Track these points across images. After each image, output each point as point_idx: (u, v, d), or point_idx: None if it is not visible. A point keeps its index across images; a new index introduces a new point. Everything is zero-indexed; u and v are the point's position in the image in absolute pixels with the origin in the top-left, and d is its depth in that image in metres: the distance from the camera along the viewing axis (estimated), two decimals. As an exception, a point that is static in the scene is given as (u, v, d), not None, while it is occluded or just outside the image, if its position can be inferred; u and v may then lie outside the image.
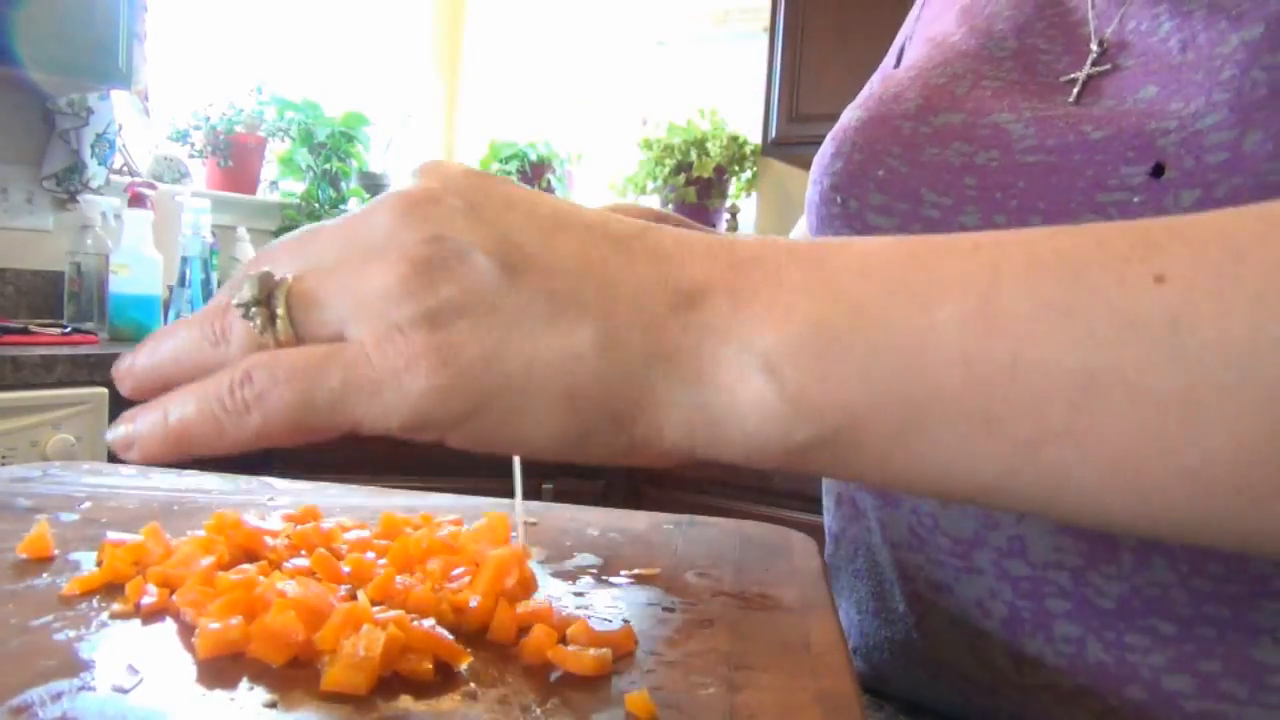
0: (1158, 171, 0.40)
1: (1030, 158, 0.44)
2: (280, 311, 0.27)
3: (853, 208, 0.49)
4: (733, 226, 2.66)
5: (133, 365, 0.31)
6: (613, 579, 0.42)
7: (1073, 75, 0.46)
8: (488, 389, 0.25)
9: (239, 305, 0.27)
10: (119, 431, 0.29)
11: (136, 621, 0.33)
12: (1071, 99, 0.45)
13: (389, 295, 0.26)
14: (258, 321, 0.27)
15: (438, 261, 0.26)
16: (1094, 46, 0.46)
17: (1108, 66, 0.45)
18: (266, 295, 0.27)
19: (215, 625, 0.30)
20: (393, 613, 0.32)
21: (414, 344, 0.25)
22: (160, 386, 0.30)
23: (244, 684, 0.29)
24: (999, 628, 0.44)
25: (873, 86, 0.56)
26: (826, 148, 0.53)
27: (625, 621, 0.35)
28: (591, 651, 0.31)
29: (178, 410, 0.27)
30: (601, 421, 0.26)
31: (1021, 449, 0.24)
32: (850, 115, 0.53)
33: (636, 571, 0.43)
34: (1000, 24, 0.52)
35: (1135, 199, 0.40)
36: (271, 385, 0.26)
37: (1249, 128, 0.38)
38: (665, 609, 0.38)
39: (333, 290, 0.27)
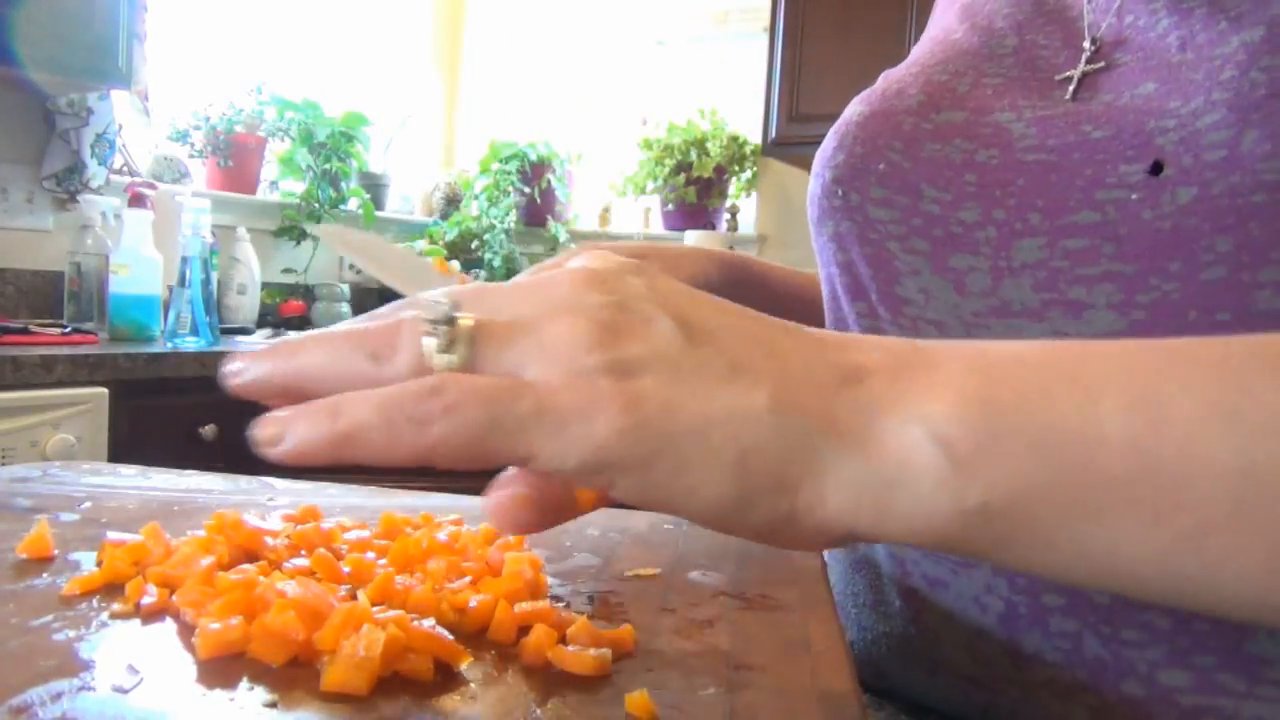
0: (1156, 169, 0.40)
1: (1030, 156, 0.44)
2: (461, 339, 0.27)
3: (853, 200, 0.50)
4: (733, 226, 2.66)
5: (257, 369, 0.30)
6: (613, 579, 0.42)
7: (1069, 72, 0.47)
8: (666, 438, 0.26)
9: (430, 320, 0.27)
10: (270, 430, 0.27)
11: (136, 621, 0.33)
12: (1068, 95, 0.45)
13: (576, 344, 0.27)
14: (441, 339, 0.27)
15: (624, 322, 0.27)
16: (1087, 44, 0.46)
17: (1102, 64, 0.45)
18: (450, 320, 0.27)
19: (215, 625, 0.30)
20: (393, 613, 0.32)
21: (601, 388, 0.26)
22: (283, 394, 0.29)
23: (244, 684, 0.29)
24: (995, 623, 0.44)
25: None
26: (829, 141, 0.53)
27: (625, 621, 0.35)
28: (591, 651, 0.31)
29: (352, 414, 0.26)
30: (767, 485, 0.26)
31: (1184, 540, 0.25)
32: (853, 109, 0.53)
33: (636, 571, 0.43)
34: (1000, 21, 0.52)
35: (1133, 196, 0.40)
36: (463, 399, 0.26)
37: (1247, 127, 0.38)
38: (665, 609, 0.38)
39: (517, 332, 0.27)
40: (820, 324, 0.66)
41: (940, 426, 0.26)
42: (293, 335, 0.32)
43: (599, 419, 0.26)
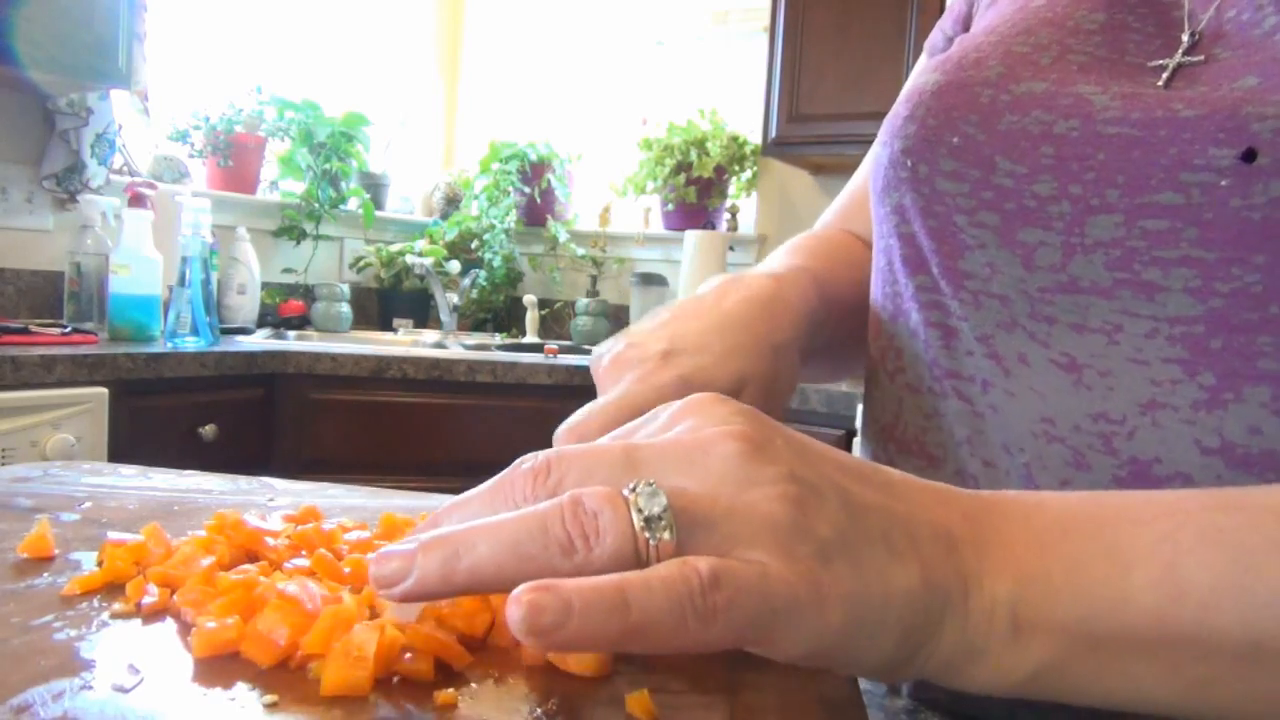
0: (1249, 156, 0.39)
1: (1112, 129, 0.43)
2: (668, 520, 0.27)
3: (922, 172, 0.48)
4: (733, 226, 2.66)
5: (423, 578, 0.28)
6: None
7: (1163, 61, 0.45)
8: (864, 624, 0.28)
9: (649, 519, 0.27)
10: (547, 609, 0.25)
11: (137, 621, 0.33)
12: (1161, 83, 0.44)
13: (782, 529, 0.28)
14: (663, 536, 0.27)
15: (806, 499, 0.29)
16: (1185, 36, 0.45)
17: (1201, 57, 0.44)
18: (663, 512, 0.27)
19: (211, 625, 0.31)
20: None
21: (819, 580, 0.27)
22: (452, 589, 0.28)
23: (244, 684, 0.29)
24: None
25: (941, 53, 0.54)
26: (900, 109, 0.51)
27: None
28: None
29: (643, 606, 0.25)
30: (912, 650, 0.30)
31: (1198, 687, 0.30)
32: (926, 79, 0.51)
33: (636, 571, 0.43)
34: None
35: (1222, 182, 0.39)
36: (737, 595, 0.26)
37: None
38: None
39: (719, 514, 0.28)
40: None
41: (1011, 606, 0.30)
42: (440, 506, 0.31)
43: (829, 613, 0.27)
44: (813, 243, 0.64)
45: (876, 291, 0.54)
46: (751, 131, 2.60)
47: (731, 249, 2.52)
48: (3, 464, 1.33)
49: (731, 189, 2.70)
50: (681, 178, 2.62)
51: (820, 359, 0.58)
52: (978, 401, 0.46)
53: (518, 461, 0.30)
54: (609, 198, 2.84)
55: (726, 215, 2.67)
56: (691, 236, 2.45)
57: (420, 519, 0.45)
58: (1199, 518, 0.31)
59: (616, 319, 2.65)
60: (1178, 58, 0.44)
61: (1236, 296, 0.39)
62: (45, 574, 0.37)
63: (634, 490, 0.27)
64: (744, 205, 2.71)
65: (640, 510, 0.27)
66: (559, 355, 2.16)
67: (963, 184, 0.47)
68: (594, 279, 2.76)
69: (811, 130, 2.26)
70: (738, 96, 2.70)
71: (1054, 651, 0.30)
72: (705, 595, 0.26)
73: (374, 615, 0.33)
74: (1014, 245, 0.45)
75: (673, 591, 0.26)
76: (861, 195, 0.69)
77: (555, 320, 2.82)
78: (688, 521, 0.27)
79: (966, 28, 0.63)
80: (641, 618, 0.25)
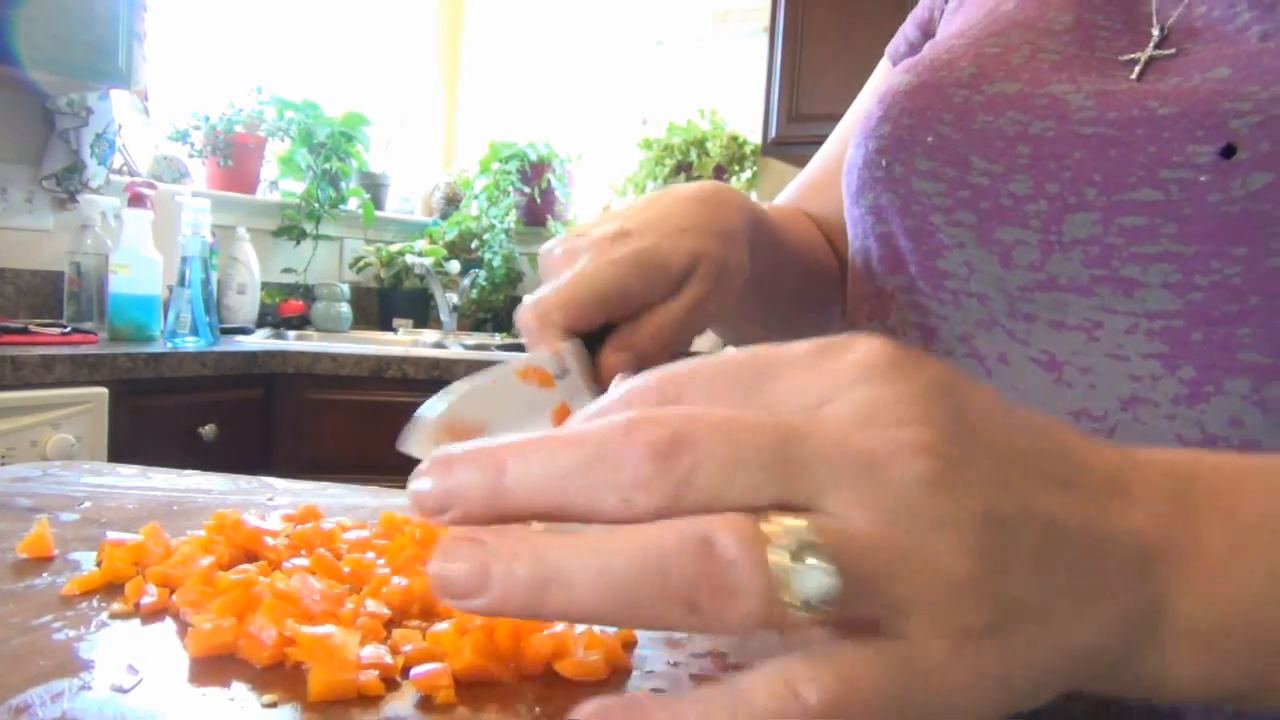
0: (1228, 152, 0.39)
1: (1088, 129, 0.43)
2: (827, 583, 0.20)
3: (898, 172, 0.48)
4: (733, 226, 2.66)
5: (529, 610, 0.21)
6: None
7: (1134, 55, 0.45)
8: (1036, 696, 0.23)
9: (805, 602, 0.20)
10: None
11: (136, 621, 0.33)
12: (1133, 76, 0.44)
13: (959, 594, 0.21)
14: (805, 604, 0.20)
15: (999, 551, 0.22)
16: (1155, 31, 0.45)
17: (1172, 51, 0.44)
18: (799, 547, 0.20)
19: (206, 625, 0.30)
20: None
21: (987, 660, 0.22)
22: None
23: (244, 684, 0.29)
24: None
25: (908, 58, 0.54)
26: (874, 110, 0.51)
27: (625, 621, 0.35)
28: (592, 657, 0.31)
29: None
30: (1083, 684, 0.25)
31: None
32: (899, 79, 0.51)
33: (636, 571, 0.43)
34: None
35: (1202, 178, 0.39)
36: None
37: None
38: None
39: (886, 571, 0.21)
40: (827, 287, 0.64)
41: (1207, 635, 0.25)
42: (511, 469, 0.21)
43: (985, 699, 0.22)
44: (761, 210, 0.64)
45: (854, 293, 0.54)
46: (751, 131, 2.60)
47: (731, 249, 2.52)
48: (3, 464, 1.33)
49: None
50: (681, 178, 2.62)
51: (756, 295, 0.54)
52: None
53: (628, 414, 0.21)
54: (609, 198, 2.84)
55: (726, 215, 2.67)
56: (691, 236, 2.44)
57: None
58: None
59: (616, 319, 2.65)
60: (1149, 51, 0.45)
61: (1216, 289, 0.39)
62: (45, 574, 0.37)
63: (784, 545, 0.20)
64: (744, 205, 2.71)
65: (785, 571, 0.20)
66: (559, 355, 2.16)
67: (939, 183, 0.47)
68: (594, 279, 2.76)
69: (811, 130, 2.26)
70: (738, 96, 2.70)
71: (1237, 689, 0.26)
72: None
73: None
74: (991, 244, 0.45)
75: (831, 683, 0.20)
76: (818, 179, 0.69)
77: (555, 320, 2.82)
78: (850, 588, 0.20)
79: (928, 34, 0.63)
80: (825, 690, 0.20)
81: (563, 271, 0.43)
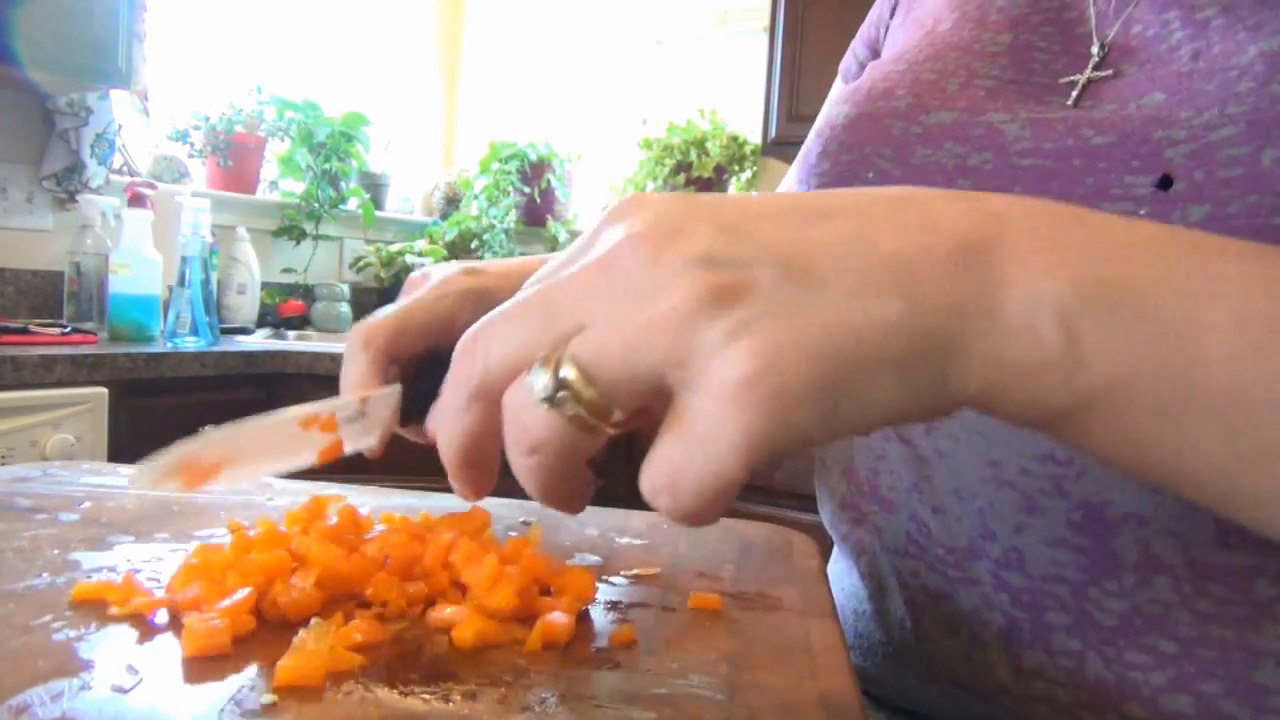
0: (1165, 183, 0.38)
1: (1026, 161, 0.43)
2: (583, 391, 0.24)
3: None
4: (733, 226, 2.66)
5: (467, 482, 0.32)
6: (613, 579, 0.42)
7: (1072, 78, 0.45)
8: (837, 377, 0.24)
9: (542, 399, 0.25)
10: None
11: (136, 621, 0.33)
12: (1070, 102, 0.44)
13: (688, 330, 0.24)
14: (566, 409, 0.25)
15: (725, 286, 0.24)
16: (1095, 50, 0.44)
17: (1109, 72, 0.43)
18: (557, 378, 0.25)
19: (201, 625, 0.31)
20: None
21: (751, 351, 0.23)
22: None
23: (244, 684, 0.29)
24: (997, 637, 0.44)
25: (851, 80, 0.54)
26: (812, 145, 0.51)
27: (625, 622, 0.35)
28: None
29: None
30: (925, 384, 0.25)
31: (1262, 461, 0.25)
32: (836, 111, 0.50)
33: (636, 572, 0.43)
34: (994, 14, 0.50)
35: (1141, 210, 0.39)
36: (673, 489, 0.24)
37: (1267, 144, 0.36)
38: (665, 609, 0.38)
39: (633, 346, 0.24)
40: None
41: (1064, 307, 0.25)
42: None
43: (776, 407, 0.23)
44: None
45: None
46: (751, 131, 2.60)
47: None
48: (3, 464, 1.33)
49: (731, 189, 2.70)
50: (681, 178, 2.62)
51: None
52: (921, 445, 0.45)
53: (461, 381, 0.28)
54: (609, 198, 2.84)
55: (726, 215, 2.67)
56: (691, 236, 2.44)
57: (421, 519, 0.45)
58: None
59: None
60: (1088, 73, 0.44)
61: None
62: (45, 574, 0.37)
63: (538, 370, 0.25)
64: (744, 205, 2.71)
65: (537, 392, 0.25)
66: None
67: None
68: (594, 279, 2.76)
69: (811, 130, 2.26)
70: (738, 96, 2.70)
71: (1108, 376, 0.25)
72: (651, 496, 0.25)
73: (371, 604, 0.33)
74: None
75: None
76: (792, 185, 0.69)
77: (555, 320, 2.82)
78: (605, 379, 0.24)
79: (875, 52, 0.63)
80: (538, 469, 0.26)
81: (404, 294, 0.45)
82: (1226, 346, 0.25)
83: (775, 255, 0.25)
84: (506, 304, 0.27)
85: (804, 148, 0.52)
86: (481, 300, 0.43)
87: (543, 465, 0.26)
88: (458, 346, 0.28)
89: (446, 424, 0.30)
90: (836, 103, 0.51)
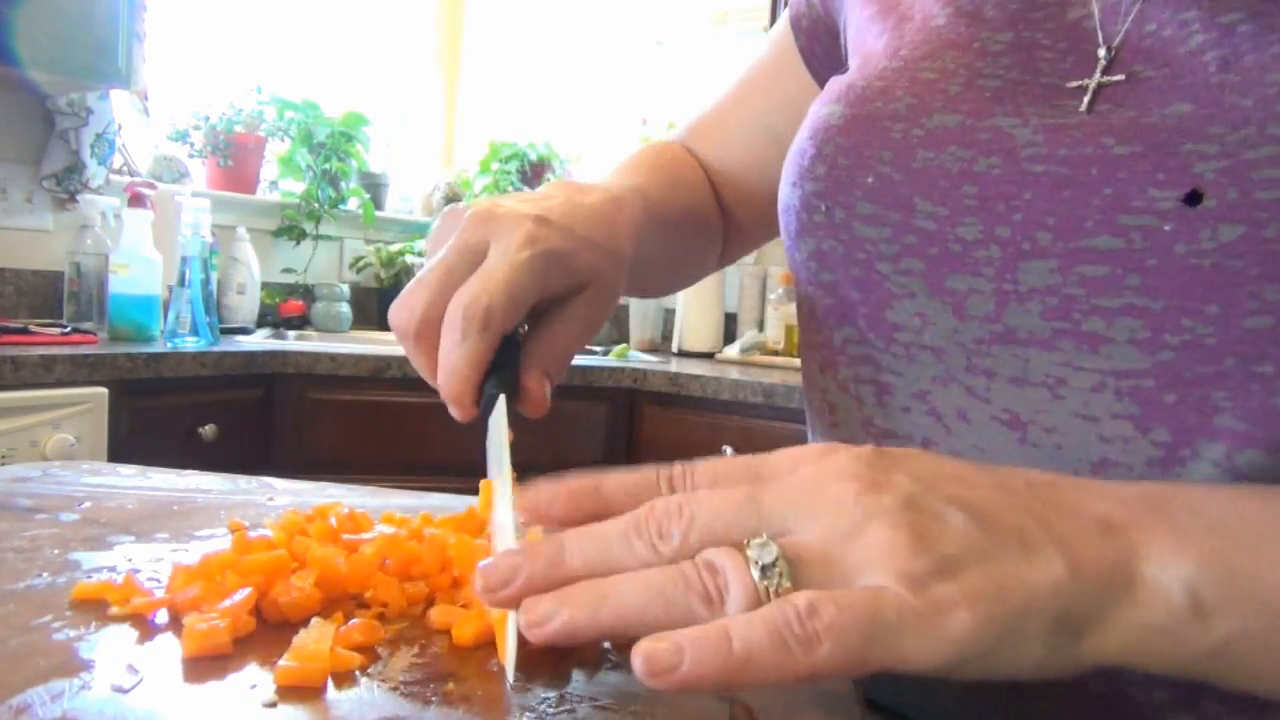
0: (1193, 199, 0.36)
1: (1038, 167, 0.40)
2: (782, 568, 0.28)
3: (838, 217, 0.45)
4: (732, 226, 2.66)
5: (569, 619, 0.29)
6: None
7: (1082, 81, 0.41)
8: (1004, 622, 0.28)
9: (764, 568, 0.28)
10: (662, 653, 0.26)
11: (136, 621, 0.33)
12: (1083, 107, 0.41)
13: (898, 552, 0.28)
14: (781, 582, 0.28)
15: (924, 523, 0.29)
16: (1101, 53, 0.41)
17: (1121, 76, 0.40)
18: (774, 562, 0.28)
19: (202, 626, 0.31)
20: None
21: (944, 591, 0.27)
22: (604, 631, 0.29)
23: (244, 684, 0.29)
24: None
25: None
26: (805, 146, 0.48)
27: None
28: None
29: (744, 637, 0.27)
30: (1068, 641, 0.29)
31: None
32: (829, 110, 0.48)
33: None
34: (990, 10, 0.46)
35: (1165, 226, 0.36)
36: (838, 617, 0.27)
37: None
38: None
39: (835, 554, 0.29)
40: (707, 242, 0.65)
41: (1189, 584, 0.29)
42: (569, 548, 0.30)
43: (954, 620, 0.27)
44: (652, 158, 0.63)
45: (803, 340, 0.52)
46: (751, 131, 2.59)
47: (731, 249, 2.52)
48: (3, 464, 1.33)
49: (731, 189, 2.69)
50: (681, 178, 2.62)
51: (635, 277, 0.57)
52: None
53: (651, 501, 0.31)
54: (609, 198, 2.83)
55: (726, 215, 2.67)
56: (691, 236, 2.44)
57: (420, 519, 0.45)
58: None
59: (616, 319, 2.65)
60: (1097, 77, 0.41)
61: (1188, 349, 0.36)
62: (45, 574, 0.37)
63: (749, 544, 0.28)
64: (744, 205, 2.71)
65: (755, 561, 0.28)
66: (559, 355, 2.16)
67: (883, 228, 0.44)
68: (594, 279, 2.76)
69: (811, 130, 2.26)
70: (738, 96, 2.70)
71: (1232, 636, 0.29)
72: (803, 622, 0.26)
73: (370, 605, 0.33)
74: (943, 293, 0.42)
75: (771, 623, 0.27)
76: (709, 123, 0.68)
77: (555, 320, 2.82)
78: (803, 565, 0.28)
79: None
80: (743, 650, 0.26)
81: (472, 240, 0.41)
82: None
83: (966, 508, 0.30)
84: (714, 490, 0.31)
85: (794, 148, 0.49)
86: (564, 266, 0.41)
87: (719, 614, 0.28)
88: (654, 505, 0.30)
89: (630, 580, 0.29)
90: (828, 102, 0.49)
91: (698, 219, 0.63)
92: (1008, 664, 0.29)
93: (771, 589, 0.28)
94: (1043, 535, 0.29)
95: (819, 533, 0.29)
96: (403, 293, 0.41)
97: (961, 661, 0.28)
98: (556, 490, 0.33)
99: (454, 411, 0.41)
